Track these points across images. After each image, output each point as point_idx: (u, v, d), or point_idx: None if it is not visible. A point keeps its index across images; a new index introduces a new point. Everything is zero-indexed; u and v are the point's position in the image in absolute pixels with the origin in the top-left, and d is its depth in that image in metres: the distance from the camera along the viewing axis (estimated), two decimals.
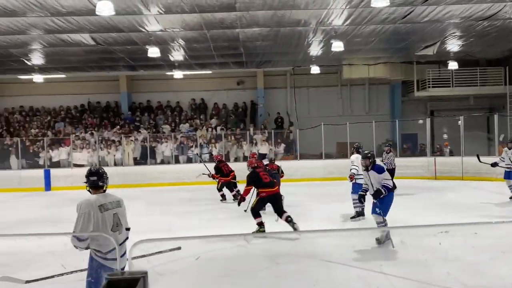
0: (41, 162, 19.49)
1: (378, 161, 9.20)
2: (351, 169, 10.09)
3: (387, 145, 14.58)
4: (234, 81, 23.44)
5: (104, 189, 4.44)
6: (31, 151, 19.73)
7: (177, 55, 17.86)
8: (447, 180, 17.37)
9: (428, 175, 18.34)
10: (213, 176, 13.42)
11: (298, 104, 22.76)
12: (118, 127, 21.18)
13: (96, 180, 4.37)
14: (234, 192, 13.33)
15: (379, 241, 7.40)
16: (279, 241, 8.19)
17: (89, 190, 4.43)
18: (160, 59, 17.90)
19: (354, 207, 9.97)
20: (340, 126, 19.35)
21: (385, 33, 15.51)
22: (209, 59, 19.17)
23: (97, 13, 10.93)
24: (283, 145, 20.26)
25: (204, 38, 15.35)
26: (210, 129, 21.21)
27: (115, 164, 19.60)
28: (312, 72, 20.85)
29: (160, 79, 22.91)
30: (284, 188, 15.91)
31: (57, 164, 19.45)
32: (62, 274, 5.90)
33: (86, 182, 4.42)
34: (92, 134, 20.80)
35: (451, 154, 19.03)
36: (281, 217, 8.56)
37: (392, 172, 13.11)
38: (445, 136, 22.17)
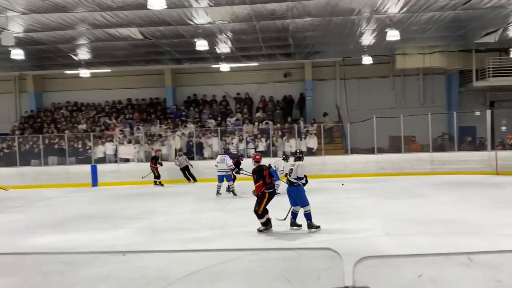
0: (88, 157, 20.08)
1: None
2: None
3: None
4: (281, 73, 23.44)
5: None
6: (78, 146, 20.37)
7: (224, 47, 18.02)
8: (510, 175, 16.84)
9: (489, 170, 17.82)
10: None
11: (348, 96, 22.54)
12: (166, 122, 21.52)
13: None
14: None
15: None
16: None
17: None
18: (206, 52, 18.10)
19: None
20: (393, 119, 19.02)
21: (444, 20, 15.11)
22: (257, 51, 19.26)
23: (148, 7, 11.15)
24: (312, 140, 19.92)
25: (253, 30, 15.42)
26: (256, 123, 21.30)
27: (162, 159, 19.96)
28: (363, 62, 20.54)
29: (205, 72, 23.15)
30: (332, 184, 15.98)
31: (103, 160, 20.03)
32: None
33: None
34: (138, 129, 21.29)
35: None
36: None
37: None
38: (503, 128, 21.49)
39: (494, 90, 22.44)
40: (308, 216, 9.06)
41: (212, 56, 19.62)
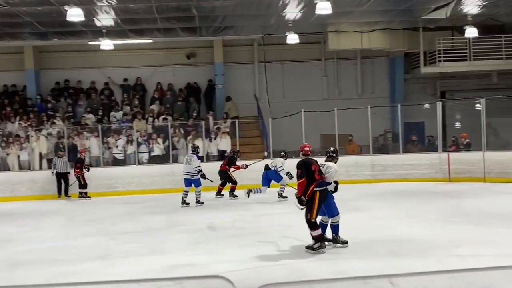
0: None
1: None
2: None
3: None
4: (183, 54, 23.38)
5: None
6: None
7: (106, 18, 17.70)
8: (465, 182, 17.85)
9: (440, 176, 18.80)
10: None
11: (270, 85, 22.86)
12: (26, 118, 20.76)
13: None
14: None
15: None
16: None
17: None
18: (82, 24, 17.68)
19: None
20: (325, 113, 19.55)
21: None
22: (150, 24, 19.05)
23: None
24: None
25: None
26: (151, 119, 21.05)
27: (21, 168, 19.25)
28: (288, 41, 20.92)
29: (80, 50, 22.59)
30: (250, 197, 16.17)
31: None
32: None
33: None
34: None
35: (469, 148, 19.51)
36: None
37: None
38: (457, 124, 22.74)
39: (446, 78, 23.74)
40: (335, 228, 9.54)
41: (90, 29, 19.20)
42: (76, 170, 18.03)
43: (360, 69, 24.13)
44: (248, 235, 10.92)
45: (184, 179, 15.40)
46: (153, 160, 19.59)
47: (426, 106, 21.39)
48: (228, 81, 23.25)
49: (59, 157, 18.45)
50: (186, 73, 23.33)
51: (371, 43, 21.65)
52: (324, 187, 9.30)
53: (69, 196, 18.20)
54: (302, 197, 9.13)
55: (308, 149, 9.82)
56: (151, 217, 13.67)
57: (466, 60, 22.12)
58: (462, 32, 21.25)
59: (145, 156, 19.60)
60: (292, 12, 18.05)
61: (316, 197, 9.16)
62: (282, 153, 16.31)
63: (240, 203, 15.48)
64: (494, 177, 17.48)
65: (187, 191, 15.34)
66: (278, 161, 15.78)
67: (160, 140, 19.76)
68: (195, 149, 15.93)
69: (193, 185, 15.32)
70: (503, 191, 15.65)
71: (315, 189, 9.14)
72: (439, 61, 22.00)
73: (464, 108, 22.67)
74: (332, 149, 10.05)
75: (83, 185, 18.05)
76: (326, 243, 9.34)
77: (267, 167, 16.11)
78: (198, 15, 18.00)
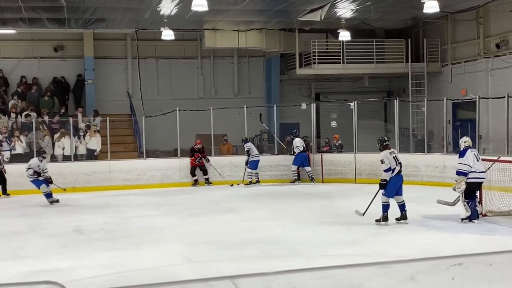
0: None
1: None
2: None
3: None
4: (51, 47, 22.68)
5: None
6: None
7: None
8: (337, 183, 18.51)
9: (314, 176, 19.32)
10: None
11: (144, 82, 22.59)
12: None
13: None
14: None
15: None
16: None
17: None
18: None
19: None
20: (201, 112, 19.58)
21: None
22: (14, 13, 18.27)
23: None
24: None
25: None
26: (13, 115, 20.09)
27: None
28: (163, 37, 20.72)
29: None
30: (120, 198, 15.91)
31: None
32: None
33: None
34: None
35: (340, 150, 20.24)
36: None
37: None
38: (333, 124, 23.60)
39: (320, 80, 24.55)
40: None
41: None
42: None
43: (237, 69, 24.43)
44: (117, 239, 10.69)
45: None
46: (15, 158, 18.65)
47: (303, 106, 21.91)
48: (99, 76, 22.73)
49: None
50: (54, 66, 22.59)
51: (248, 43, 21.96)
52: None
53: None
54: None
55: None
56: (9, 220, 13.01)
57: (339, 63, 22.90)
58: (336, 35, 22.00)
59: (6, 155, 18.63)
60: (167, 7, 17.93)
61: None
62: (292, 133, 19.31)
63: (110, 206, 15.10)
64: (365, 178, 18.22)
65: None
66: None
67: (23, 138, 18.87)
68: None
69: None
70: (372, 191, 16.31)
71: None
72: (314, 63, 22.65)
73: (337, 110, 23.63)
74: (381, 138, 11.66)
75: None
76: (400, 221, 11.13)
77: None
78: (66, 6, 17.41)
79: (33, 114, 20.02)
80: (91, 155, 19.32)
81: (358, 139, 18.90)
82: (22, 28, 20.41)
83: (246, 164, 18.36)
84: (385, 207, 11.02)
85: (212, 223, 12.12)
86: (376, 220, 11.04)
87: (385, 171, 11.03)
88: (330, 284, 4.25)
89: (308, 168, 18.69)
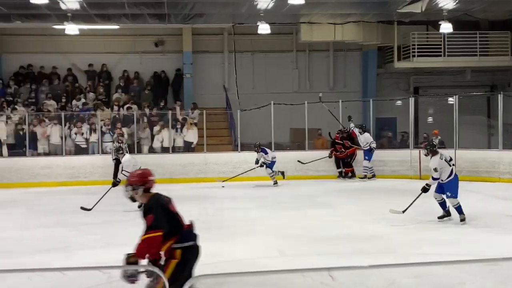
0: None
1: None
2: None
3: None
4: (151, 42, 23.22)
5: None
6: None
7: (71, 1, 17.46)
8: None
9: (411, 173, 18.91)
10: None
11: (239, 76, 22.81)
12: None
13: None
14: None
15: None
16: None
17: None
18: (46, 7, 17.47)
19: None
20: (295, 106, 19.59)
21: None
22: (117, 9, 18.85)
23: None
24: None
25: None
26: (115, 108, 20.86)
27: None
28: (259, 31, 20.87)
29: (44, 34, 22.30)
30: (216, 190, 16.20)
31: None
32: None
33: None
34: None
35: (442, 145, 19.68)
36: None
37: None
38: (430, 119, 22.96)
39: (419, 73, 23.94)
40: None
41: (55, 13, 18.88)
42: None
43: (333, 62, 24.20)
44: (212, 229, 10.82)
45: None
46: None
47: (399, 102, 21.53)
48: (197, 70, 23.15)
49: None
50: (154, 61, 23.17)
51: (344, 36, 21.70)
52: None
53: None
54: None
55: None
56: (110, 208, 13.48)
57: (440, 56, 22.29)
58: (437, 27, 21.44)
59: (109, 146, 19.39)
60: (264, 1, 18.01)
61: None
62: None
63: (205, 197, 15.35)
64: (465, 175, 17.62)
65: None
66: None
67: (124, 130, 19.58)
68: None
69: None
70: (473, 189, 15.81)
71: None
72: (413, 56, 22.17)
73: (437, 105, 22.96)
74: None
75: None
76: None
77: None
78: (167, 2, 17.86)
79: (134, 107, 20.74)
80: (188, 147, 19.76)
81: (459, 135, 18.33)
82: (125, 24, 21.15)
83: (262, 166, 17.41)
84: (459, 208, 10.97)
85: (304, 217, 12.12)
86: (461, 220, 10.94)
87: (434, 179, 11.09)
88: (426, 283, 4.17)
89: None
